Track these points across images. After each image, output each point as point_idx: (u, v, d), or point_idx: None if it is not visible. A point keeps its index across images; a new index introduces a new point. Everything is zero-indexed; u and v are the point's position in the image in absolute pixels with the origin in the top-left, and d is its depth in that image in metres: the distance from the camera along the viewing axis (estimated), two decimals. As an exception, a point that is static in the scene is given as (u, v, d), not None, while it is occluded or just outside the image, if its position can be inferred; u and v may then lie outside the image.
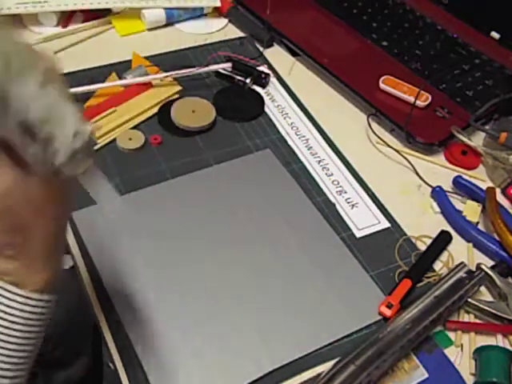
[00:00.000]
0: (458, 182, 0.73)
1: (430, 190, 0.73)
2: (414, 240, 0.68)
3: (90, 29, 0.91)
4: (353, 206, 0.71)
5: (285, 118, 0.81)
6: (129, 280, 0.60)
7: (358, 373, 0.52)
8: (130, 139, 0.74)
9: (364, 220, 0.69)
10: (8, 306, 0.41)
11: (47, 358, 0.77)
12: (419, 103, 0.80)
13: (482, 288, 0.63)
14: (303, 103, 0.83)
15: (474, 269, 0.64)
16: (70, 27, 0.90)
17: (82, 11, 0.90)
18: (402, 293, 0.61)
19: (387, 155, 0.78)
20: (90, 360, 0.87)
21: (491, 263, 0.65)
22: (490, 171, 0.76)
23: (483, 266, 0.63)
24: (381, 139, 0.78)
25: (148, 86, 0.80)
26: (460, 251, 0.67)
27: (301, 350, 0.57)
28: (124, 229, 0.64)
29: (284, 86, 0.86)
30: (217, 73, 0.84)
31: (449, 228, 0.70)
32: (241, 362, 0.56)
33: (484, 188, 0.71)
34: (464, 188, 0.73)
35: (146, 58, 0.86)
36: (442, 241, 0.68)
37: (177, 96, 0.81)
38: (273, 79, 0.86)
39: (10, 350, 0.42)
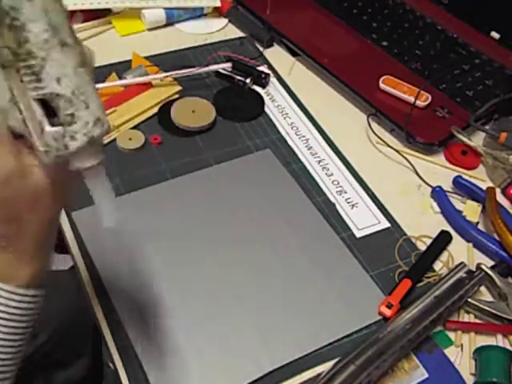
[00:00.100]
0: (458, 182, 0.73)
1: (429, 190, 0.73)
2: (414, 240, 0.68)
3: (90, 29, 0.91)
4: (353, 206, 0.71)
5: (285, 118, 0.81)
6: (129, 280, 0.60)
7: (357, 373, 0.52)
8: (130, 139, 0.74)
9: (364, 220, 0.69)
10: None
11: (47, 358, 0.77)
12: (419, 103, 0.80)
13: (482, 288, 0.63)
14: (303, 103, 0.83)
15: (474, 269, 0.64)
16: (70, 27, 0.90)
17: (82, 11, 0.90)
18: (402, 293, 0.61)
19: (387, 155, 0.78)
20: (90, 360, 0.87)
21: (491, 263, 0.65)
22: (490, 171, 0.76)
23: (483, 266, 0.63)
24: (381, 139, 0.78)
25: (148, 85, 0.80)
26: (460, 251, 0.67)
27: (301, 350, 0.57)
28: (124, 229, 0.64)
29: (284, 86, 0.86)
30: (217, 73, 0.84)
31: (449, 228, 0.70)
32: (241, 362, 0.56)
33: (484, 188, 0.71)
34: (464, 188, 0.73)
35: (146, 58, 0.86)
36: (441, 241, 0.68)
37: (177, 96, 0.81)
38: (273, 79, 0.86)
39: None
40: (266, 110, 0.82)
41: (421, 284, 0.63)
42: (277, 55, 0.91)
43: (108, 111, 0.75)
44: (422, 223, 0.70)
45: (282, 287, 0.62)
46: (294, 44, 0.90)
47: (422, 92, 0.80)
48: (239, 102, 0.82)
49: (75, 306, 0.78)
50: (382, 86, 0.83)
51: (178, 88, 0.81)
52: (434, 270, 0.65)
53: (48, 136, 0.37)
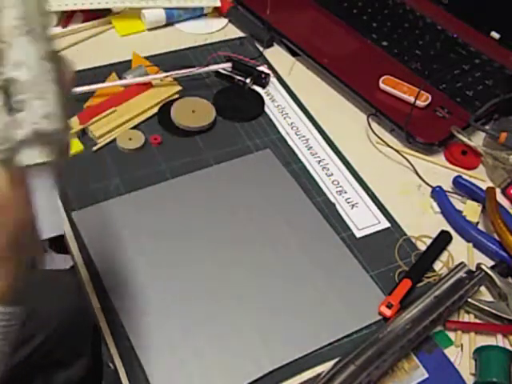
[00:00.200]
0: (458, 182, 0.73)
1: (429, 190, 0.73)
2: (414, 240, 0.68)
3: (90, 29, 0.91)
4: (353, 206, 0.71)
5: (285, 118, 0.81)
6: (129, 280, 0.60)
7: (357, 373, 0.52)
8: (130, 139, 0.74)
9: (364, 220, 0.69)
10: None
11: (47, 358, 0.77)
12: (419, 103, 0.80)
13: (482, 288, 0.63)
14: (303, 103, 0.83)
15: (474, 269, 0.64)
16: (70, 27, 0.90)
17: (82, 11, 0.90)
18: (402, 293, 0.61)
19: (387, 155, 0.78)
20: (89, 360, 0.87)
21: (491, 263, 0.65)
22: (490, 171, 0.76)
23: (483, 266, 0.63)
24: (381, 139, 0.78)
25: (148, 85, 0.80)
26: (460, 251, 0.67)
27: (301, 350, 0.57)
28: (124, 229, 0.64)
29: (284, 86, 0.86)
30: (217, 73, 0.84)
31: (449, 228, 0.70)
32: (241, 362, 0.56)
33: (484, 188, 0.71)
34: (464, 188, 0.73)
35: (146, 58, 0.86)
36: (441, 241, 0.68)
37: (177, 96, 0.81)
38: (273, 79, 0.86)
39: None
40: (266, 110, 0.82)
41: (421, 284, 0.63)
42: (277, 55, 0.91)
43: (108, 111, 0.75)
44: (422, 223, 0.70)
45: (282, 287, 0.62)
46: (293, 44, 0.90)
47: (422, 92, 0.80)
48: (239, 101, 0.82)
49: (75, 305, 0.78)
50: (381, 85, 0.83)
51: (178, 88, 0.81)
52: (434, 270, 0.65)
53: None
